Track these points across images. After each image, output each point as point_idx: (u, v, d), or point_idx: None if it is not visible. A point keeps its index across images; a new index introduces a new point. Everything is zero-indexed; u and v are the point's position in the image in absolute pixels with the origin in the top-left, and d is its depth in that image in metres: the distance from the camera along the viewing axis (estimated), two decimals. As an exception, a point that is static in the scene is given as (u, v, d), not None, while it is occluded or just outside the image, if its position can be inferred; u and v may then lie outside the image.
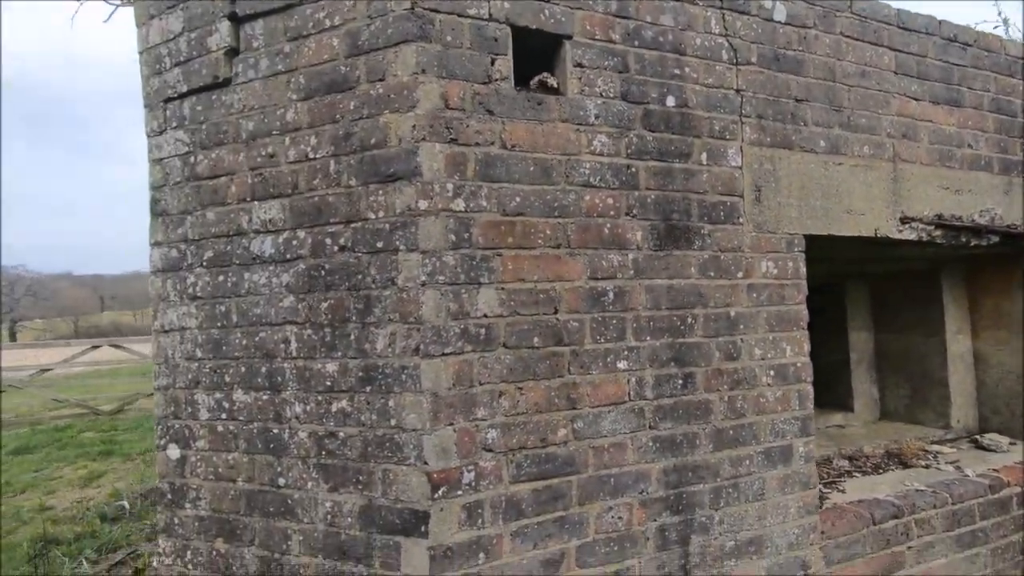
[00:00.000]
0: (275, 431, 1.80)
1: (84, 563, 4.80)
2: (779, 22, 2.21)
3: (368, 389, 1.66)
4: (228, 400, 1.88)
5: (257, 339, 1.83)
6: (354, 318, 1.68)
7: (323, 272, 1.73)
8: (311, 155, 1.75)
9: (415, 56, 1.62)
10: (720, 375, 2.02)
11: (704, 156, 2.03)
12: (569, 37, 1.83)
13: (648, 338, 1.91)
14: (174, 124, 1.99)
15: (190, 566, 1.91)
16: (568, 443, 1.77)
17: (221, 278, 1.90)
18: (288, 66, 1.79)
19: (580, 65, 1.84)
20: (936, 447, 3.06)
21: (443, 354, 1.62)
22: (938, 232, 2.59)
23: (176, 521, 1.95)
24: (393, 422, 1.62)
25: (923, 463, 2.83)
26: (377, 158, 1.66)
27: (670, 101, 1.98)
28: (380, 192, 1.65)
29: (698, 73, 2.03)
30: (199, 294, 1.94)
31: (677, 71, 2.00)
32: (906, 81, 2.51)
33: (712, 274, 2.03)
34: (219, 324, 1.90)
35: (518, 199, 1.74)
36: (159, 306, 2.02)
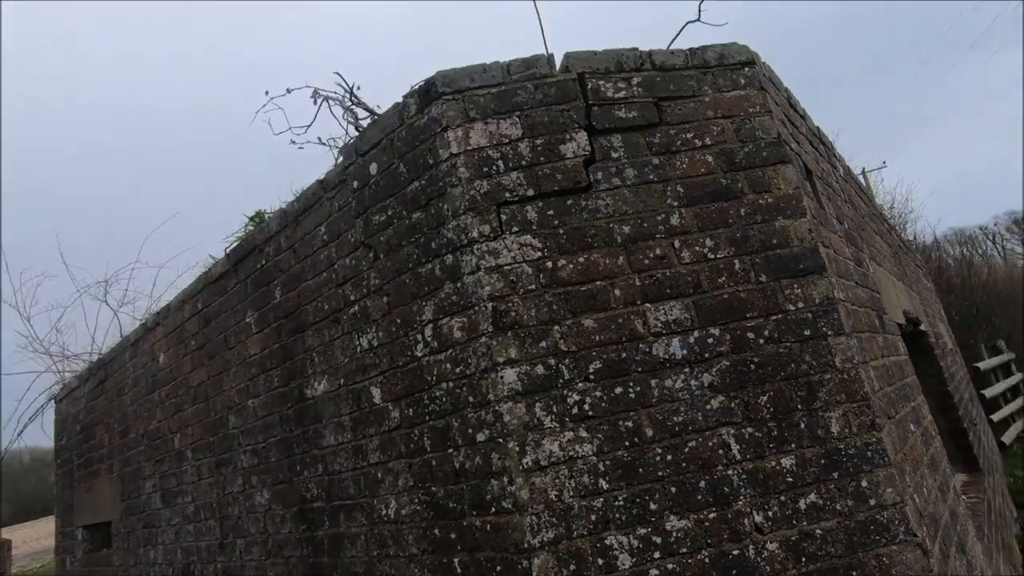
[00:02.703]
0: (735, 553, 1.59)
1: None
2: (841, 174, 3.13)
3: (835, 475, 1.66)
4: (659, 533, 1.59)
5: (687, 450, 1.65)
6: (799, 406, 1.71)
7: (752, 366, 1.73)
8: (709, 255, 1.82)
9: (794, 173, 1.93)
10: (927, 431, 2.51)
11: (871, 268, 2.68)
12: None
13: (907, 404, 2.32)
14: (515, 229, 1.80)
15: None
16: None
17: (619, 390, 1.69)
18: (661, 176, 1.88)
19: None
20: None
21: (887, 421, 1.76)
22: (906, 323, 3.69)
23: None
24: (873, 502, 1.65)
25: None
26: (781, 257, 1.84)
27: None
28: (794, 285, 1.81)
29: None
30: (590, 413, 1.66)
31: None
32: (875, 223, 3.69)
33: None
34: (627, 443, 1.65)
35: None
36: (526, 438, 1.63)
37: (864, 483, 1.66)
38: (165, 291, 6.15)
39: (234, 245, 2.94)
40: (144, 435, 3.64)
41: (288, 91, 2.52)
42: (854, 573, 1.60)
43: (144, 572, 3.50)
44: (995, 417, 8.24)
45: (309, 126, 2.96)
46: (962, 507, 2.63)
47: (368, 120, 2.41)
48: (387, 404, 2.03)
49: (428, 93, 1.92)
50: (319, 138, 2.56)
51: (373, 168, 2.12)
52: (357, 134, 2.28)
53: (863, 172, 16.85)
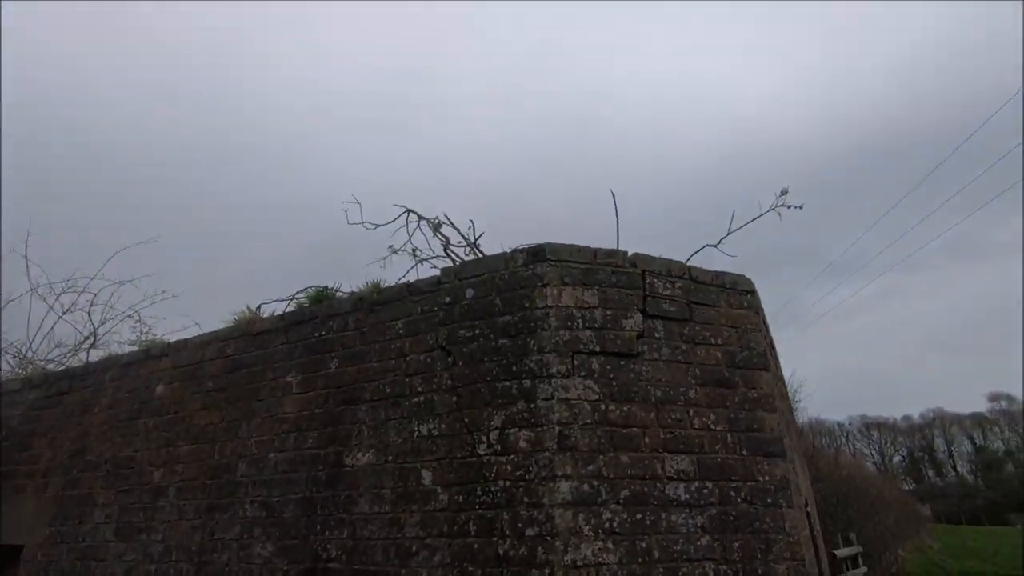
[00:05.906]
0: (705, 663, 2.06)
1: None
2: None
3: (778, 615, 2.22)
4: (654, 637, 2.05)
5: (680, 573, 2.16)
6: (759, 556, 2.29)
7: (731, 517, 2.32)
8: (712, 426, 2.46)
9: (772, 379, 2.67)
10: None
11: (794, 455, 3.44)
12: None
13: (814, 571, 2.97)
14: (583, 373, 2.37)
15: None
16: (827, 652, 2.58)
17: (639, 516, 2.21)
18: (685, 359, 2.55)
19: (776, 391, 3.14)
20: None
21: (812, 584, 2.37)
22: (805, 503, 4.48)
23: None
24: (801, 641, 2.21)
25: None
26: (759, 439, 2.51)
27: (785, 417, 3.40)
28: (764, 462, 2.47)
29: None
30: (617, 530, 2.16)
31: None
32: (789, 413, 4.58)
33: (807, 527, 3.29)
34: (640, 560, 2.14)
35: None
36: (569, 540, 2.09)
37: (796, 625, 2.23)
38: (118, 315, 5.96)
39: (289, 308, 3.28)
40: (108, 461, 3.60)
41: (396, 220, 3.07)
42: None
43: (64, 607, 3.32)
44: (843, 603, 9.20)
45: (378, 226, 3.49)
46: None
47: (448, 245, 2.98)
48: (436, 487, 2.41)
49: (536, 255, 2.54)
50: (414, 250, 3.07)
51: (469, 292, 2.66)
52: (453, 260, 2.83)
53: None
